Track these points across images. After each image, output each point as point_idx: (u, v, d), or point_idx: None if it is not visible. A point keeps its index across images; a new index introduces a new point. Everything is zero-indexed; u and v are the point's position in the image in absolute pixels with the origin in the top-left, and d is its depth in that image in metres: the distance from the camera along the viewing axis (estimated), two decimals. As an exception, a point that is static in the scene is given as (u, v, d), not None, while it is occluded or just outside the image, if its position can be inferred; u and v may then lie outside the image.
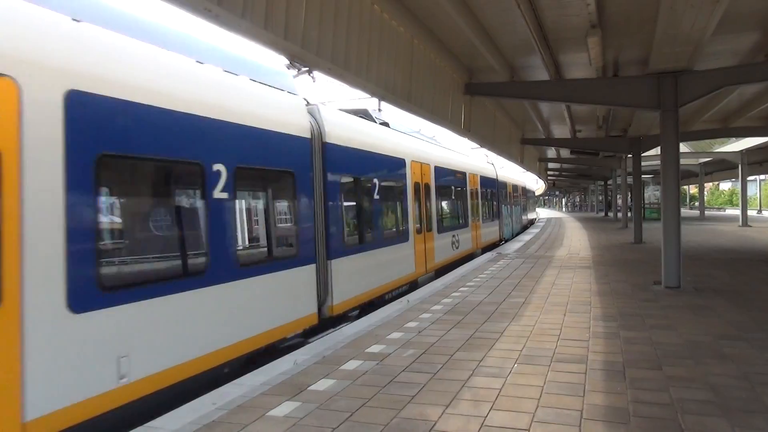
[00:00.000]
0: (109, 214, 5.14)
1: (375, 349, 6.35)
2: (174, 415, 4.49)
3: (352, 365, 5.72)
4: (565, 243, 21.33)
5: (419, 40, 9.66)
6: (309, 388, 5.03)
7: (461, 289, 10.50)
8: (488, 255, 17.15)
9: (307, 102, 8.23)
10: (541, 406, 4.46)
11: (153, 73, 5.30)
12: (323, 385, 5.12)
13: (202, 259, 5.70)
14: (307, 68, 7.16)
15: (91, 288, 4.42)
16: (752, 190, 66.27)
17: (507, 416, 4.28)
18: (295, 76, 7.71)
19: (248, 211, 7.27)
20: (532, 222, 36.61)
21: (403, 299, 9.53)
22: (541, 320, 7.62)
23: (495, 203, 23.02)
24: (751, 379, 5.02)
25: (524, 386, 4.96)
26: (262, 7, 5.65)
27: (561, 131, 23.49)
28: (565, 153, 31.88)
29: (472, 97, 13.20)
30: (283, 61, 6.85)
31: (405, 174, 11.70)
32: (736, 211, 42.13)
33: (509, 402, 4.59)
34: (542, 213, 61.11)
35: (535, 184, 46.77)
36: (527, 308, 8.50)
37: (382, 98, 9.26)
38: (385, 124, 11.94)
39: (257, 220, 7.43)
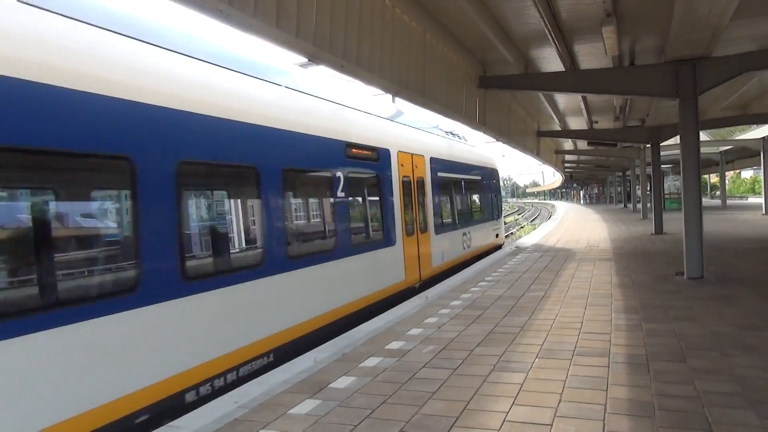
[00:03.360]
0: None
1: (394, 345, 6.34)
2: (197, 413, 4.53)
3: (372, 362, 5.73)
4: (584, 235, 21.11)
5: (432, 34, 9.60)
6: (329, 386, 5.04)
7: (480, 284, 10.45)
8: (507, 249, 17.06)
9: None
10: (564, 401, 4.42)
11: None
12: (343, 382, 5.13)
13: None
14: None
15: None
16: (775, 177, 64.83)
17: (529, 411, 4.25)
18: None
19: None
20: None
21: (422, 295, 9.52)
22: (561, 314, 7.56)
23: None
24: (779, 370, 4.91)
25: (546, 381, 4.92)
26: (273, 6, 5.64)
27: (577, 122, 23.22)
28: (582, 145, 31.53)
29: (487, 90, 13.11)
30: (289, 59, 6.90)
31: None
32: (759, 199, 41.29)
33: (531, 397, 4.55)
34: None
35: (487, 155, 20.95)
36: (547, 302, 8.43)
37: (396, 94, 9.22)
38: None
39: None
